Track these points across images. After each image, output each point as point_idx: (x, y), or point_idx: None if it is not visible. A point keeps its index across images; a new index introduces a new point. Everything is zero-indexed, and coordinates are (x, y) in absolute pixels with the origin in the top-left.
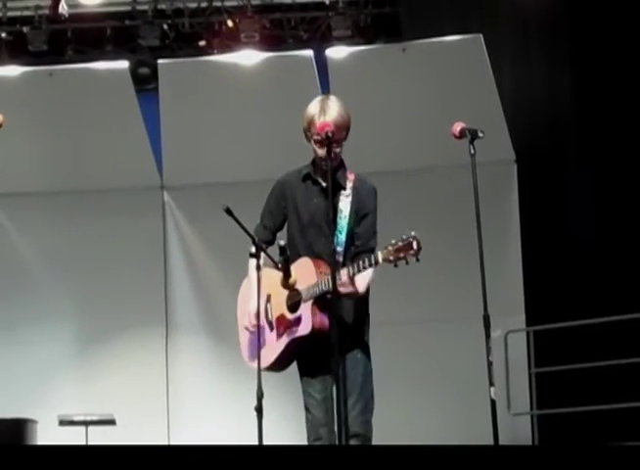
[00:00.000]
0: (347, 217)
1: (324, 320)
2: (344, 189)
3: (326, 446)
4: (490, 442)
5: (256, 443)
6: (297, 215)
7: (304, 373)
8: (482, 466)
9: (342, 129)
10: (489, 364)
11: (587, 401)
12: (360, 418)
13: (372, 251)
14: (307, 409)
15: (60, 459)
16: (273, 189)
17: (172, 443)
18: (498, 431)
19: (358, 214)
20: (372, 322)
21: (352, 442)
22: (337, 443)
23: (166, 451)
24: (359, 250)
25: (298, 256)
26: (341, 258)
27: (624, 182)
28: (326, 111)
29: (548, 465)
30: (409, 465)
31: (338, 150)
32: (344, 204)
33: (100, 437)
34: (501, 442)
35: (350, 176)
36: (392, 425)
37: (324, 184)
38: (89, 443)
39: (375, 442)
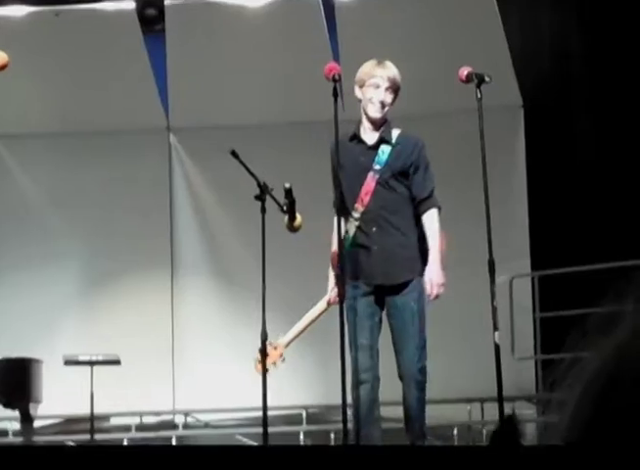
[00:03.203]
0: (382, 167)
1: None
2: (391, 145)
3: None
4: (494, 385)
5: (260, 383)
6: (344, 175)
7: (354, 317)
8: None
9: (393, 89)
10: (494, 309)
11: None
12: (417, 365)
13: (427, 198)
14: (353, 351)
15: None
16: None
17: (176, 383)
18: (502, 375)
19: (406, 169)
20: None
21: (411, 384)
22: (380, 388)
23: (165, 451)
24: (416, 202)
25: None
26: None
27: (633, 125)
28: (384, 64)
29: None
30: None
31: (387, 108)
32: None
33: (105, 377)
34: (505, 385)
35: (395, 132)
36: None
37: (369, 143)
38: (94, 383)
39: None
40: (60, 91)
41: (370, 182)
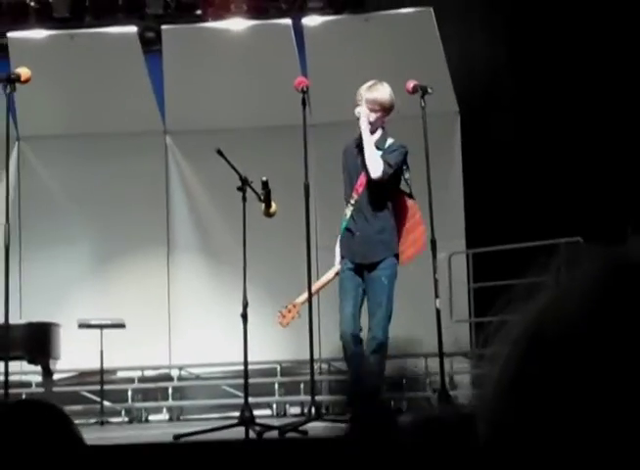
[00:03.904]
0: None
1: None
2: (382, 150)
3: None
4: (436, 342)
5: (242, 342)
6: (347, 172)
7: (343, 287)
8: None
9: (377, 104)
10: (435, 280)
11: None
12: (382, 329)
13: (384, 162)
14: (341, 309)
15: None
16: None
17: (172, 342)
18: (442, 334)
19: None
20: (321, 246)
21: (375, 343)
22: (353, 343)
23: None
24: None
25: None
26: None
27: (551, 125)
28: (372, 87)
29: None
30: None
31: (372, 119)
32: None
33: (112, 338)
34: (444, 343)
35: (389, 141)
36: None
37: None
38: (103, 342)
39: (333, 347)
40: (74, 100)
41: (363, 177)
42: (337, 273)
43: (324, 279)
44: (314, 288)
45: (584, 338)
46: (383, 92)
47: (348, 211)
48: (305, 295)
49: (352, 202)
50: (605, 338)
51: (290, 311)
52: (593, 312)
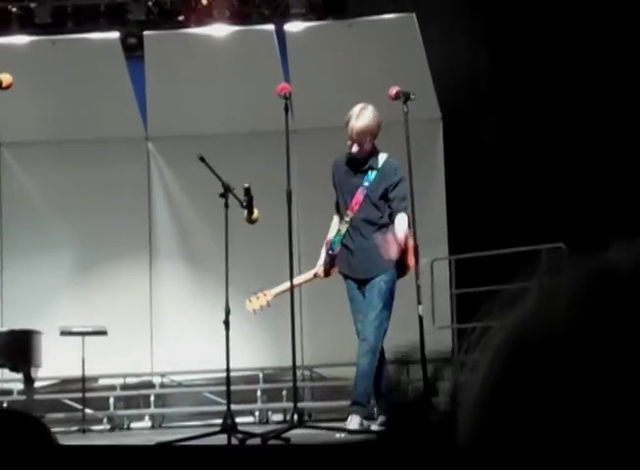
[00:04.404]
0: (370, 185)
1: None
2: (376, 169)
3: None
4: (418, 349)
5: (224, 348)
6: (341, 189)
7: (353, 306)
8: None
9: (367, 133)
10: (418, 287)
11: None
12: (374, 332)
13: (401, 210)
14: (355, 323)
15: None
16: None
17: (154, 349)
18: (424, 340)
19: (388, 187)
20: (304, 253)
21: (365, 346)
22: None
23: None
24: (391, 211)
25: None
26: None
27: (530, 132)
28: (359, 115)
29: None
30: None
31: (365, 146)
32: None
33: (94, 345)
34: (427, 349)
35: (382, 157)
36: (340, 340)
37: (360, 168)
38: (85, 350)
39: (317, 355)
40: (56, 106)
41: (359, 195)
42: (315, 275)
43: (301, 278)
44: (288, 284)
45: (567, 345)
46: (368, 117)
47: (343, 228)
48: (279, 288)
49: (347, 219)
50: (587, 345)
51: (258, 298)
52: (576, 320)
